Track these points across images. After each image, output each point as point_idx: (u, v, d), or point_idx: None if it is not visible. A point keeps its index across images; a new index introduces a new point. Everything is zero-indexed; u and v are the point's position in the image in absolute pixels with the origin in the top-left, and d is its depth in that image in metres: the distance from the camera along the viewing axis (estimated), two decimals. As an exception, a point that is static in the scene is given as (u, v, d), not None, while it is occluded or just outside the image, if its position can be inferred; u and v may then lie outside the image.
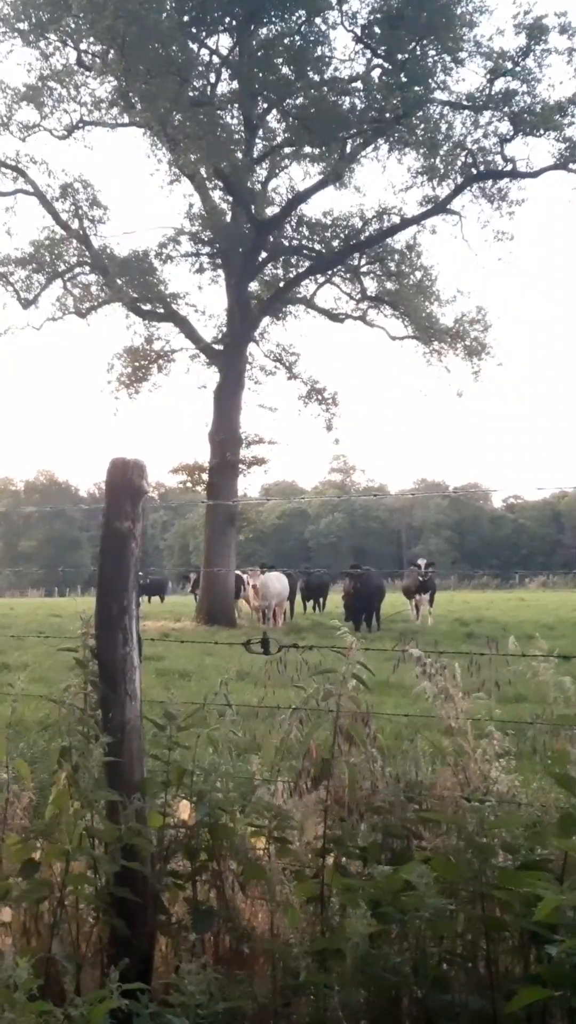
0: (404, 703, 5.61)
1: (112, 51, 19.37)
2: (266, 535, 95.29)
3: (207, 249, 23.99)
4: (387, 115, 19.76)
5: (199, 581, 25.38)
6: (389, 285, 25.47)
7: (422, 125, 20.09)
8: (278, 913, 2.75)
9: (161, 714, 3.02)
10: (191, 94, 20.78)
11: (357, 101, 20.30)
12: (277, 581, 23.38)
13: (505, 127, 20.64)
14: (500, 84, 20.44)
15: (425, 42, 19.87)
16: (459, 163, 21.30)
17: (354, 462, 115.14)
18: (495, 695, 3.09)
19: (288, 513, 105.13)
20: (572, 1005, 1.81)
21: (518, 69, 20.11)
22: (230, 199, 23.30)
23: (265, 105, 21.99)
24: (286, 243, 23.54)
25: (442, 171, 21.36)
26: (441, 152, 20.68)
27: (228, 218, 23.17)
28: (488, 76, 20.30)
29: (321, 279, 25.54)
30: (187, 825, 2.99)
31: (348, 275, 25.35)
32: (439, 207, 22.19)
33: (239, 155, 22.04)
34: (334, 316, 26.75)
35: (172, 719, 3.07)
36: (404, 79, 19.39)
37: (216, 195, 23.09)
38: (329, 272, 25.21)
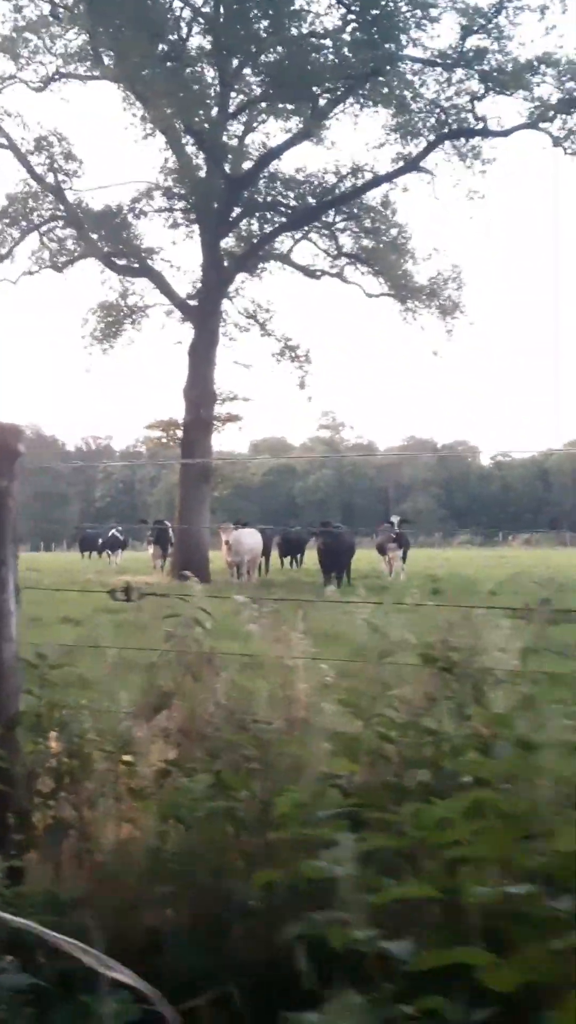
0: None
1: (82, 4, 19.29)
2: (253, 491, 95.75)
3: (181, 204, 24.01)
4: (360, 71, 19.71)
5: (164, 535, 25.67)
6: (365, 242, 25.55)
7: (395, 82, 20.06)
8: (126, 827, 3.15)
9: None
10: (162, 48, 20.72)
11: (331, 56, 20.24)
12: (250, 537, 23.71)
13: (476, 85, 20.62)
14: (473, 42, 20.40)
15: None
16: (432, 121, 21.31)
17: (343, 419, 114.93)
18: (318, 636, 3.45)
19: (276, 470, 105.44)
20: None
21: (491, 26, 20.06)
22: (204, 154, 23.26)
23: (239, 60, 21.88)
24: (260, 199, 23.55)
25: (415, 128, 21.37)
26: (413, 109, 20.67)
27: (202, 173, 23.13)
28: (461, 34, 20.25)
29: (298, 235, 25.58)
30: (54, 752, 3.39)
31: (325, 232, 25.40)
32: (411, 164, 22.20)
33: (213, 111, 22.02)
34: (310, 272, 26.80)
35: (43, 659, 3.49)
36: (376, 35, 19.33)
37: (190, 150, 23.01)
38: (305, 228, 25.25)
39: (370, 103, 21.05)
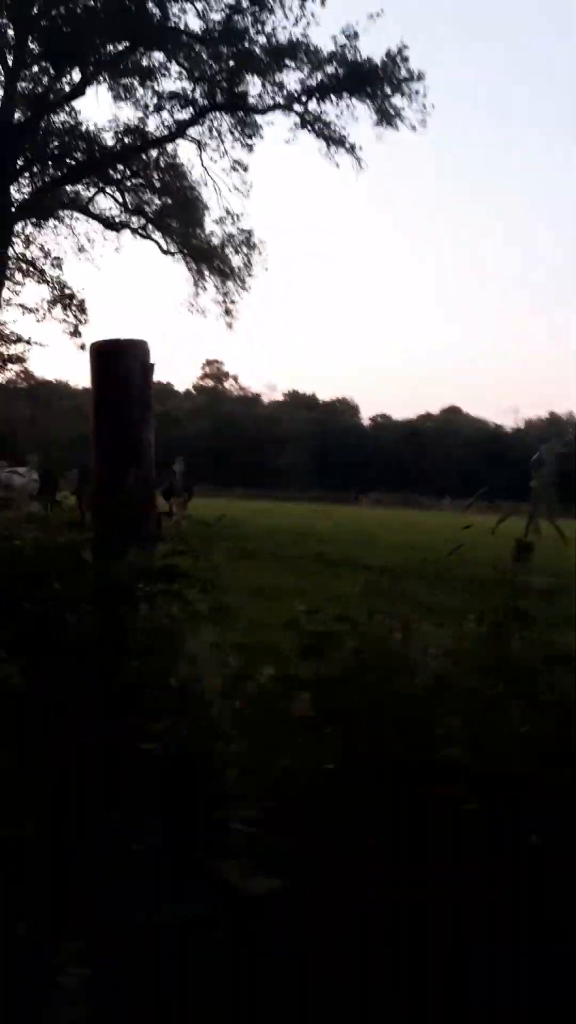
0: None
1: None
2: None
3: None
4: (123, 43, 20.68)
5: None
6: (157, 201, 26.63)
7: (160, 54, 21.10)
8: None
9: None
10: None
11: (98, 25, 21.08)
12: (16, 477, 24.81)
13: (237, 65, 21.83)
14: (236, 21, 21.53)
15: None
16: (198, 92, 22.48)
17: (228, 369, 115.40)
18: None
19: (157, 415, 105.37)
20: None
21: (253, 8, 21.26)
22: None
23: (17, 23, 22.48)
24: (38, 151, 24.28)
25: (189, 98, 22.51)
26: (177, 83, 21.79)
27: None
28: (226, 11, 21.39)
29: (92, 189, 26.43)
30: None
31: (115, 188, 26.29)
32: (178, 132, 23.33)
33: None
34: (110, 224, 27.69)
35: None
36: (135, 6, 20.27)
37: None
38: (93, 181, 26.09)
39: (130, 75, 21.96)
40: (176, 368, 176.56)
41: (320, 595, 6.23)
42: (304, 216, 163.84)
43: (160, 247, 27.96)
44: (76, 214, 26.77)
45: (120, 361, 4.11)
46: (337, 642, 2.40)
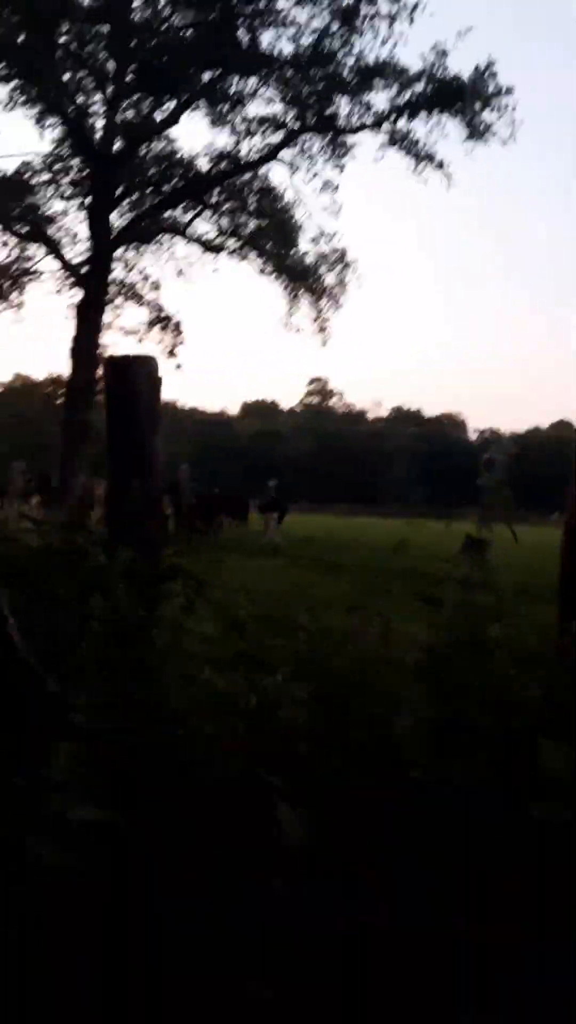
0: None
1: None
2: (238, 452, 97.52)
3: (67, 178, 25.69)
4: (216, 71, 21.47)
5: (46, 484, 27.48)
6: (250, 222, 27.30)
7: (252, 79, 21.79)
8: None
9: None
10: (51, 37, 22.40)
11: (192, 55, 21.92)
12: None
13: (326, 87, 22.29)
14: (327, 43, 22.02)
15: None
16: (289, 116, 23.08)
17: (333, 386, 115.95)
18: None
19: (263, 433, 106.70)
20: None
21: (343, 31, 21.74)
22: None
23: (117, 50, 23.51)
24: (136, 179, 25.22)
25: (278, 122, 23.16)
26: (268, 108, 22.43)
27: (82, 151, 24.81)
28: (316, 35, 21.94)
29: (189, 214, 27.26)
30: None
31: (220, 210, 27.06)
32: (269, 155, 23.95)
33: (97, 95, 23.75)
34: (208, 247, 28.47)
35: None
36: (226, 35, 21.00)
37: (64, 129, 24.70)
38: (199, 205, 26.93)
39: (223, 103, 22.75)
40: (280, 386, 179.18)
41: (347, 600, 6.42)
42: (395, 229, 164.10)
43: (256, 267, 28.62)
44: (175, 237, 27.66)
45: (129, 375, 4.47)
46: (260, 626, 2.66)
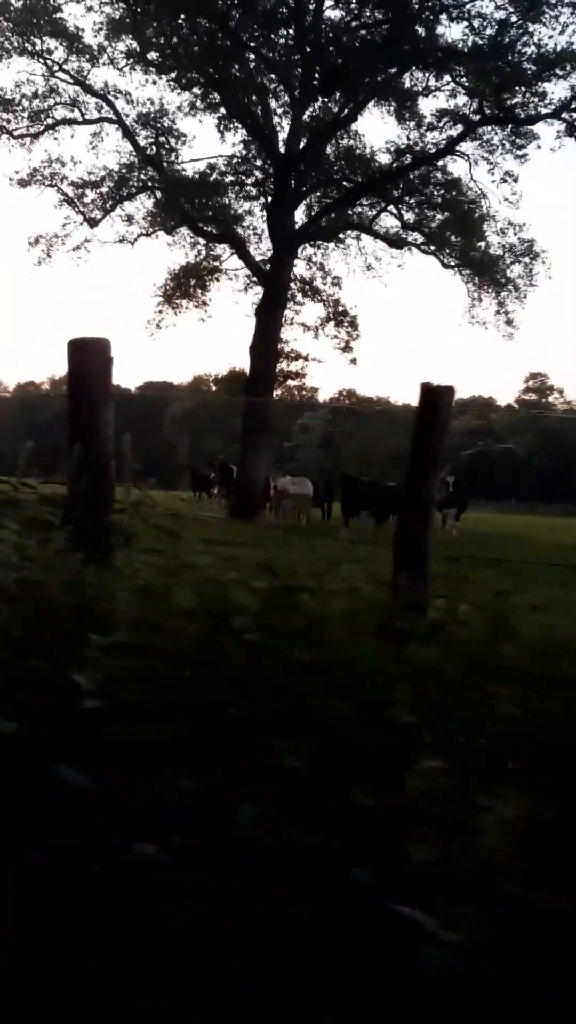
0: None
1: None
2: (451, 448, 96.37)
3: (251, 179, 26.58)
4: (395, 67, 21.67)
5: (228, 476, 28.62)
6: (438, 216, 27.15)
7: (431, 73, 21.82)
8: None
9: None
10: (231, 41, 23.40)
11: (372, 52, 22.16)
12: (293, 485, 26.37)
13: (506, 77, 21.82)
14: (506, 34, 21.59)
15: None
16: (469, 108, 22.85)
17: (553, 382, 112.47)
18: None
19: (474, 431, 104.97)
20: None
21: (520, 22, 21.26)
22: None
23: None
24: (314, 177, 25.70)
25: (458, 114, 23.00)
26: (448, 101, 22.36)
27: (266, 152, 25.65)
28: (495, 25, 21.58)
29: (373, 209, 27.50)
30: None
31: (393, 207, 27.17)
32: (449, 148, 23.80)
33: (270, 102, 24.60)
34: (393, 242, 28.61)
35: None
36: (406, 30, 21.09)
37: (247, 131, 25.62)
38: (382, 202, 27.13)
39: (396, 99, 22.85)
40: (497, 382, 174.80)
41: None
42: None
43: (440, 261, 28.45)
44: (360, 234, 28.01)
45: (84, 354, 4.97)
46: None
